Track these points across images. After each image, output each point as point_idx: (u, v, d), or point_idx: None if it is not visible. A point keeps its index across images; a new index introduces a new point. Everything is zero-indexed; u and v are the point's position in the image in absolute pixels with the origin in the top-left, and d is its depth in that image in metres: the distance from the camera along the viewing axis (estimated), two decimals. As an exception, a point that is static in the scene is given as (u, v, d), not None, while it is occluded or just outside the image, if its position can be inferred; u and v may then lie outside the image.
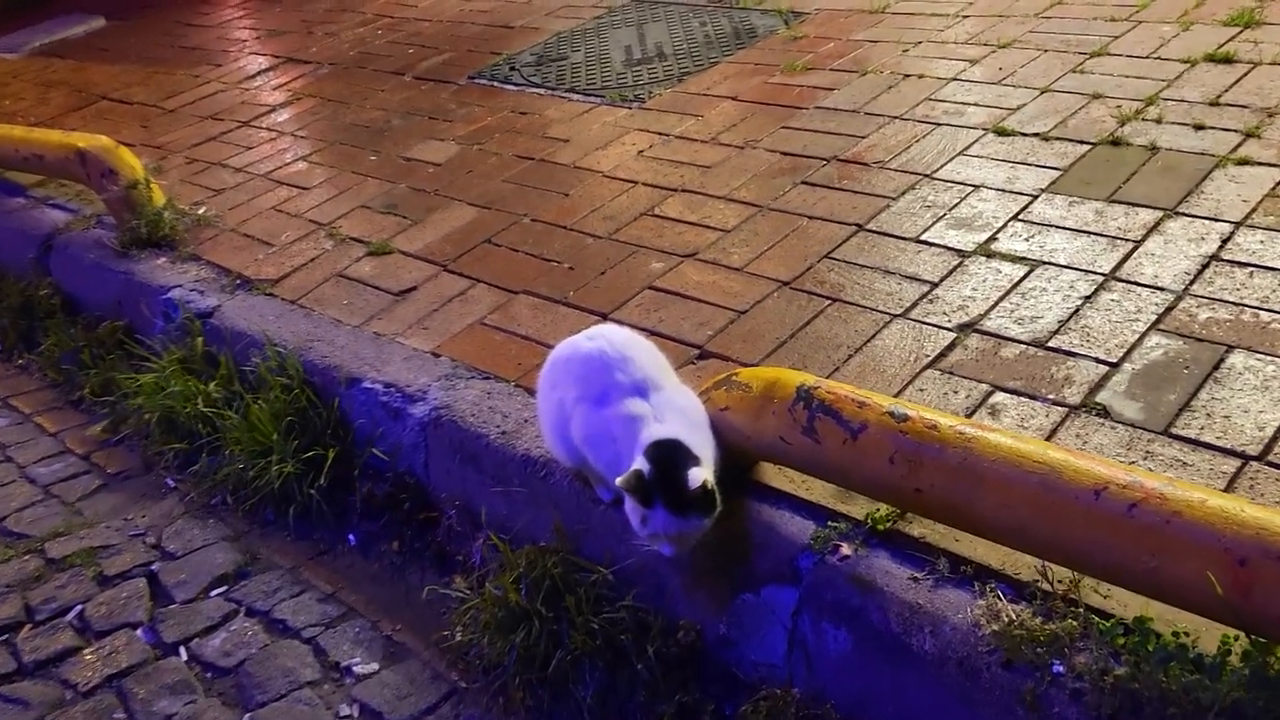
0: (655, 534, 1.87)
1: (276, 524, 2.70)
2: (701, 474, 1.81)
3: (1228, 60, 3.36)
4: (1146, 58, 3.50)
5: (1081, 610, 1.69)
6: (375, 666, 2.26)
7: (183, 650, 2.37)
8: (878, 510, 1.95)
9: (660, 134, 3.70)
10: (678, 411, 1.95)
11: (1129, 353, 2.24)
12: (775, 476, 2.09)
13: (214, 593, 2.53)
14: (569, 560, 2.13)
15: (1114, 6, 3.95)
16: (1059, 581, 1.75)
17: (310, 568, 2.58)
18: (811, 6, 4.65)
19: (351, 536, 2.63)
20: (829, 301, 2.60)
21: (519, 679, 2.08)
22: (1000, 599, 1.76)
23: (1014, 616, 1.72)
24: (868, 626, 1.82)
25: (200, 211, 3.75)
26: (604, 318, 2.70)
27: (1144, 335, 2.28)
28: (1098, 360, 2.23)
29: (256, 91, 5.00)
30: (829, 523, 1.96)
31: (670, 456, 1.84)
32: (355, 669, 2.26)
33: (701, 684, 2.01)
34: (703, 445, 1.91)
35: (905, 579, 1.83)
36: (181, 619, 2.45)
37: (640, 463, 1.84)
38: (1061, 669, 1.63)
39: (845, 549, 1.91)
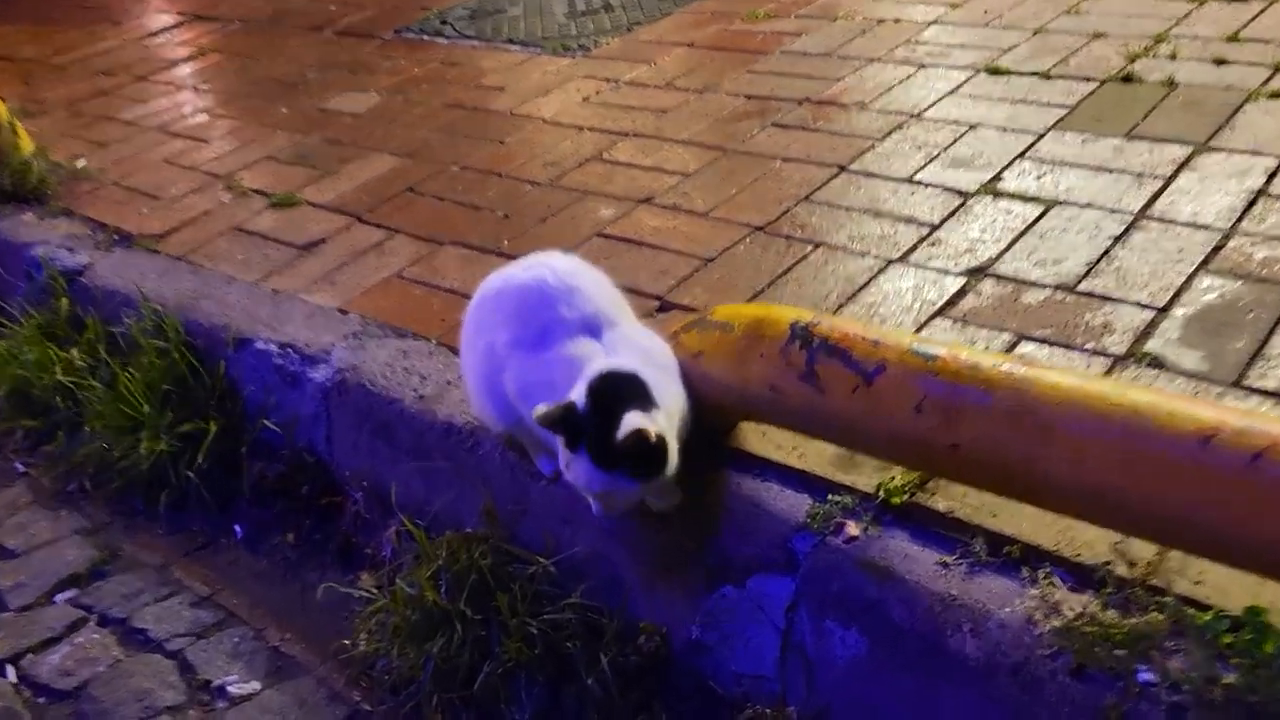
0: (579, 485, 1.47)
1: (146, 514, 2.23)
2: (639, 421, 1.38)
3: (1239, -3, 3.04)
4: (1147, -2, 3.17)
5: (1170, 600, 1.30)
6: (256, 686, 1.80)
7: (10, 670, 1.88)
8: (891, 479, 1.55)
9: (608, 80, 3.29)
10: (639, 351, 1.53)
11: (1177, 296, 1.87)
12: (758, 441, 1.68)
13: (60, 597, 2.04)
14: (501, 549, 1.72)
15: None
16: (1133, 563, 1.36)
17: (184, 566, 2.11)
18: (771, -41, 4.26)
19: (238, 528, 2.17)
20: (812, 246, 2.21)
21: (436, 698, 1.66)
22: (1058, 586, 1.37)
23: (1080, 609, 1.32)
24: (887, 625, 1.41)
25: (79, 164, 3.26)
26: (545, 267, 2.27)
27: (1192, 276, 1.91)
28: (1141, 305, 1.86)
29: (157, 48, 4.50)
30: (830, 496, 1.56)
31: (616, 391, 1.43)
32: (230, 689, 1.79)
33: (668, 701, 1.61)
34: (667, 390, 1.49)
35: (933, 564, 1.43)
36: (14, 630, 1.96)
37: (578, 393, 1.42)
38: (1151, 676, 1.23)
39: (852, 528, 1.51)
